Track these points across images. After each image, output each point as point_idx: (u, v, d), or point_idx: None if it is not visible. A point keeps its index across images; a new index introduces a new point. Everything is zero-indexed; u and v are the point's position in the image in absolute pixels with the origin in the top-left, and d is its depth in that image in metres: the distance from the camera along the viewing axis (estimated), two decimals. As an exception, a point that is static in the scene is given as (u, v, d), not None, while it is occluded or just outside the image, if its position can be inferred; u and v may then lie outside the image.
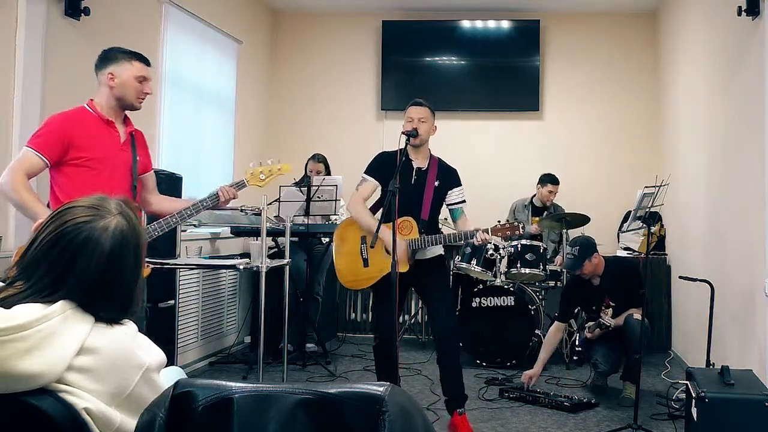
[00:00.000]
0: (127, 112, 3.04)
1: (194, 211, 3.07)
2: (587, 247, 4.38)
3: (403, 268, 3.46)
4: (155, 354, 1.47)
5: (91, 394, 1.34)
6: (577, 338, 4.73)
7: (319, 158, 5.49)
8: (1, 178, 2.77)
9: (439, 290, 3.71)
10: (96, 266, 1.40)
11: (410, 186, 3.61)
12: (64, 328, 1.34)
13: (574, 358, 4.66)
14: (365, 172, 3.72)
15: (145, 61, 2.99)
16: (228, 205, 3.23)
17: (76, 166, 2.82)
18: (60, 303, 1.36)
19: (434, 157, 3.75)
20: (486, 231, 3.52)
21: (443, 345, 3.66)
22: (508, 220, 3.58)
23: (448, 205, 3.75)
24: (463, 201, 3.77)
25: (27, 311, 1.33)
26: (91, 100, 2.95)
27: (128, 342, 1.42)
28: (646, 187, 4.08)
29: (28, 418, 1.29)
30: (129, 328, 1.45)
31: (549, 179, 5.94)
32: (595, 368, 4.58)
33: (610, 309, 4.28)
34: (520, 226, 3.58)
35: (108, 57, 2.94)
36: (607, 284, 4.41)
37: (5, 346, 1.28)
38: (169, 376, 1.60)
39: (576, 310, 4.85)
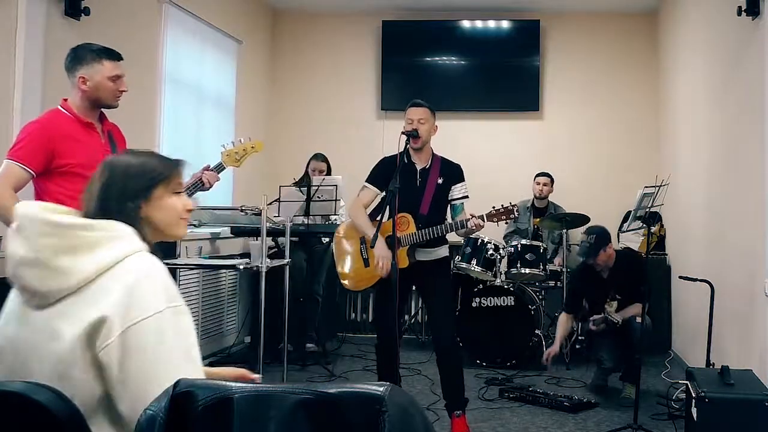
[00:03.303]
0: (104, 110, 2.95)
1: None
2: (603, 236, 4.38)
3: (402, 264, 3.46)
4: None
5: None
6: (580, 328, 4.72)
7: (321, 157, 5.51)
8: None
9: (440, 296, 3.70)
10: None
11: (414, 188, 3.61)
12: None
13: (577, 347, 4.65)
14: (367, 180, 3.73)
15: (115, 57, 2.87)
16: (228, 205, 3.21)
17: (64, 174, 2.72)
18: None
19: (436, 156, 3.73)
20: (481, 217, 3.50)
21: (441, 352, 3.67)
22: (502, 205, 3.57)
23: (450, 201, 3.70)
24: (466, 197, 3.73)
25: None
26: (65, 100, 2.87)
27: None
28: (646, 187, 4.08)
29: (27, 411, 1.29)
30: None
31: (538, 173, 6.09)
32: (600, 364, 4.56)
33: (615, 302, 4.28)
34: (515, 208, 3.56)
35: (77, 58, 2.83)
36: (616, 277, 4.41)
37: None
38: None
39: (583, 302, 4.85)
